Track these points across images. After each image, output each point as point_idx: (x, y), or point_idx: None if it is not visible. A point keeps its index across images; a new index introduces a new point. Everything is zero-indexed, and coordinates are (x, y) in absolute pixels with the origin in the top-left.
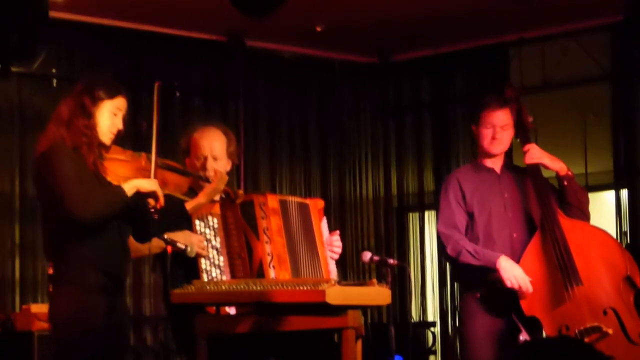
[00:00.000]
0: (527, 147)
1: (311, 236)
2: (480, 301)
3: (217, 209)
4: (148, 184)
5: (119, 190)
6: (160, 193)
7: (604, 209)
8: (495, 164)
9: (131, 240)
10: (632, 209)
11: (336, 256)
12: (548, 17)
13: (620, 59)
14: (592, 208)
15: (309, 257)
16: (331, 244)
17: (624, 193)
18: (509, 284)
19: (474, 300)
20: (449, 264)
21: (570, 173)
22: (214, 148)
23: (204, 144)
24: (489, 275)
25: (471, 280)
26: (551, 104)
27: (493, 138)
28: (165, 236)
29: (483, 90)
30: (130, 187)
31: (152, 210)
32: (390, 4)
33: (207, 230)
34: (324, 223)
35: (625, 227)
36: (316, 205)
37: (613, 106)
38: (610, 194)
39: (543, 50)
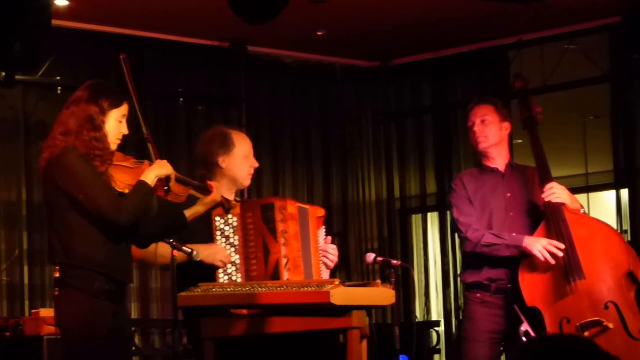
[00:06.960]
0: (549, 185)
1: (307, 241)
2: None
3: (237, 209)
4: (164, 169)
5: (144, 185)
6: (173, 173)
7: (604, 208)
8: (500, 163)
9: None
10: (632, 208)
11: (331, 264)
12: (547, 20)
13: (619, 60)
14: (593, 208)
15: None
16: (326, 251)
17: (625, 193)
18: (540, 256)
19: (475, 302)
20: (465, 255)
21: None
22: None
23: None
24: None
25: (475, 281)
26: (551, 106)
27: (471, 132)
28: (171, 240)
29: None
30: (151, 178)
31: (165, 188)
32: (391, 8)
33: (227, 228)
34: (322, 231)
35: (626, 226)
36: (315, 212)
37: (612, 107)
38: (610, 194)
39: (542, 52)
